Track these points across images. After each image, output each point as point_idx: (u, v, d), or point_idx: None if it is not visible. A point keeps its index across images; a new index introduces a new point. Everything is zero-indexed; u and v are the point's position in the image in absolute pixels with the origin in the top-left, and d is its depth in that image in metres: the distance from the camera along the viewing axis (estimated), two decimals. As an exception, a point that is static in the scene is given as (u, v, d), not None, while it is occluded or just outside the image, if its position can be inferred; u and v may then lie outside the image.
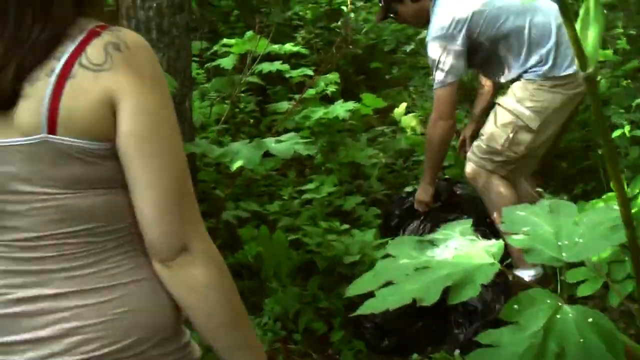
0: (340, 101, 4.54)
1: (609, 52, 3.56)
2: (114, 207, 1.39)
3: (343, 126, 4.86)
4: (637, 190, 3.15)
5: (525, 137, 3.63)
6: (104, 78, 1.31)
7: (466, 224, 1.41)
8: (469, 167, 3.81)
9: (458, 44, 3.67)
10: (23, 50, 1.31)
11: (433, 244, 1.38)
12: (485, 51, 3.74)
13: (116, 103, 1.32)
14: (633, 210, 3.08)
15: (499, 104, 3.73)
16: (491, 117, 3.75)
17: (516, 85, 3.71)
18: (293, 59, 5.47)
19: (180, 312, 1.47)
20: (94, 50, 1.32)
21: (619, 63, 3.57)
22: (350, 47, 4.59)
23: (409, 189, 4.61)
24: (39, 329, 1.36)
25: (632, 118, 3.32)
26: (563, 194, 3.66)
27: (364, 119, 5.29)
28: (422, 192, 3.90)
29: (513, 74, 3.71)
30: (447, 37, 3.67)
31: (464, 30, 3.66)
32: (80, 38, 1.33)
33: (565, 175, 3.96)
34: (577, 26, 1.12)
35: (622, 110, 3.35)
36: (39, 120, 1.29)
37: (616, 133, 3.25)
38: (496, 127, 3.68)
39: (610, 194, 3.24)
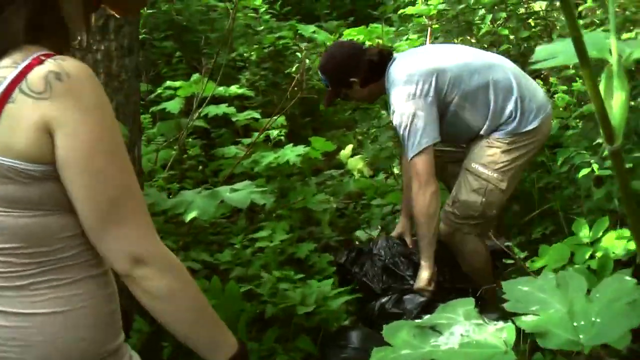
0: (290, 145, 4.44)
1: (567, 97, 3.54)
2: (40, 230, 1.42)
3: (292, 170, 4.75)
4: (600, 234, 3.14)
5: (497, 197, 3.59)
6: (42, 106, 1.35)
7: (468, 304, 1.29)
8: (444, 230, 3.69)
9: (428, 106, 3.52)
10: None
11: (435, 329, 1.25)
12: (452, 113, 3.61)
13: (53, 131, 1.37)
14: (598, 254, 3.05)
15: (467, 170, 3.63)
16: (461, 184, 3.64)
17: (481, 147, 3.63)
18: (237, 101, 5.37)
19: (110, 343, 1.52)
20: (35, 78, 1.36)
21: (574, 105, 3.56)
22: (305, 92, 4.47)
23: (359, 232, 4.55)
24: None
25: (594, 159, 3.28)
26: (521, 238, 3.62)
27: (310, 161, 5.20)
28: (426, 277, 3.56)
29: (482, 133, 3.62)
30: (415, 102, 3.52)
31: (432, 92, 3.54)
32: (23, 64, 1.37)
33: (521, 219, 3.91)
34: (601, 90, 1.02)
35: (584, 151, 3.32)
36: None
37: (582, 173, 3.21)
38: (468, 195, 3.59)
39: (571, 237, 3.21)
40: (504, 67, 3.67)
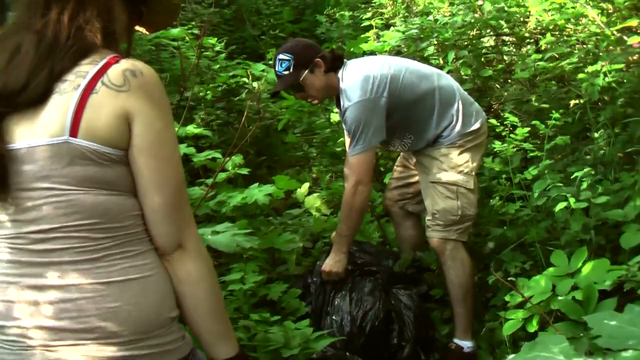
0: (256, 185, 4.38)
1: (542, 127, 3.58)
2: (115, 207, 1.64)
3: (255, 210, 4.68)
4: (580, 264, 3.15)
5: (470, 196, 3.83)
6: (122, 98, 1.60)
7: (561, 341, 1.25)
8: (435, 241, 3.88)
9: (381, 107, 3.69)
10: (55, 62, 1.60)
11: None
12: (399, 116, 3.79)
13: (131, 120, 1.61)
14: (581, 285, 3.07)
15: (433, 183, 3.85)
16: (433, 196, 3.86)
17: (437, 162, 3.86)
18: (189, 141, 5.28)
19: (173, 311, 1.73)
20: (115, 74, 1.61)
21: (552, 136, 3.62)
22: (263, 121, 4.44)
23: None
24: (45, 316, 1.60)
25: (570, 191, 3.32)
26: (500, 274, 3.62)
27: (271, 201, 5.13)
28: (336, 263, 3.87)
29: (427, 137, 3.87)
30: (370, 101, 3.68)
31: (385, 94, 3.70)
32: (102, 62, 1.63)
33: (497, 255, 3.93)
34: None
35: (561, 184, 3.36)
36: (64, 125, 1.57)
37: (559, 207, 3.24)
38: (444, 202, 3.80)
39: (550, 269, 3.22)
40: (448, 77, 4.01)
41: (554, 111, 3.56)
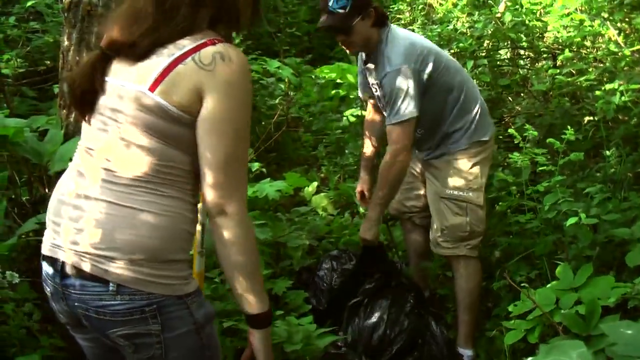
0: (267, 180, 4.41)
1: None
2: (160, 153, 1.90)
3: (264, 205, 4.70)
4: (585, 279, 3.18)
5: (479, 212, 3.80)
6: (202, 74, 1.86)
7: (579, 346, 1.27)
8: (448, 256, 3.91)
9: (421, 82, 3.62)
10: (163, 32, 1.90)
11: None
12: (429, 97, 3.71)
13: (203, 95, 1.87)
14: (585, 300, 3.09)
15: (443, 198, 3.82)
16: (442, 211, 3.82)
17: (448, 173, 3.82)
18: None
19: (177, 254, 1.95)
20: (205, 54, 1.88)
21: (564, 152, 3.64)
22: (295, 128, 4.46)
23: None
24: (69, 218, 1.96)
25: (581, 207, 3.35)
26: (504, 282, 3.65)
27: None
28: (368, 231, 3.80)
29: (437, 134, 3.83)
30: (415, 71, 3.59)
31: (427, 70, 3.63)
32: (200, 42, 1.90)
33: (502, 264, 3.95)
34: None
35: (572, 199, 3.38)
36: (148, 79, 1.88)
37: (570, 221, 3.26)
38: (453, 219, 3.78)
39: (555, 282, 3.25)
40: (474, 83, 3.99)
41: (569, 127, 3.57)
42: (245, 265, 1.95)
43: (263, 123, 4.39)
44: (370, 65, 3.81)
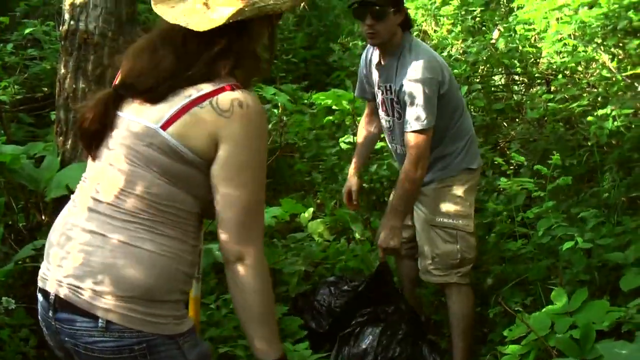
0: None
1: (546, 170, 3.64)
2: (165, 194, 1.90)
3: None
4: (579, 304, 3.19)
5: (470, 240, 3.78)
6: (220, 121, 1.86)
7: None
8: (441, 284, 3.88)
9: (442, 91, 3.63)
10: (181, 79, 1.90)
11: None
12: (438, 114, 3.68)
13: (220, 141, 1.87)
14: (580, 324, 3.10)
15: (433, 226, 3.79)
16: (433, 239, 3.79)
17: (438, 199, 3.79)
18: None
19: (171, 295, 1.94)
20: (224, 99, 1.87)
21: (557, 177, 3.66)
22: (291, 153, 4.48)
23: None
24: (66, 252, 1.95)
25: (575, 231, 3.37)
26: (500, 308, 3.65)
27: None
28: (393, 239, 3.67)
29: (433, 152, 3.73)
30: (437, 82, 3.60)
31: (445, 84, 3.65)
32: (218, 86, 1.89)
33: (496, 290, 3.96)
34: None
35: (565, 224, 3.40)
36: (162, 118, 1.88)
37: (566, 245, 3.28)
38: (444, 246, 3.75)
39: (550, 307, 3.26)
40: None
41: (554, 152, 3.60)
42: (261, 313, 1.96)
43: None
44: (386, 65, 3.77)
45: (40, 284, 2.03)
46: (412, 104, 3.58)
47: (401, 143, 3.77)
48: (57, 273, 1.95)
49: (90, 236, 1.92)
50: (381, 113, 3.90)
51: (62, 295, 1.92)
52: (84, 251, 1.91)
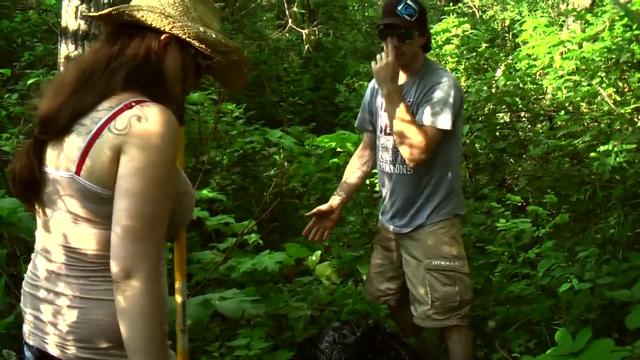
0: (267, 252, 4.40)
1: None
2: (102, 239, 1.85)
3: (265, 277, 4.68)
4: (584, 344, 3.15)
5: (466, 280, 3.72)
6: (119, 140, 1.81)
7: None
8: (440, 327, 3.80)
9: (458, 112, 3.63)
10: (80, 99, 1.88)
11: None
12: (452, 140, 3.70)
13: (120, 156, 1.80)
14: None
15: (429, 270, 3.69)
16: (431, 283, 3.68)
17: (429, 241, 3.71)
18: (203, 204, 5.33)
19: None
20: (121, 119, 1.83)
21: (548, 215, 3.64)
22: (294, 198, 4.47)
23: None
24: (42, 312, 1.95)
25: (574, 272, 3.34)
26: (504, 352, 3.61)
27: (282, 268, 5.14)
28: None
29: (431, 184, 3.69)
30: (460, 98, 3.61)
31: (461, 110, 3.68)
32: (116, 109, 1.85)
33: (500, 333, 3.91)
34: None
35: (565, 264, 3.37)
36: (74, 164, 1.84)
37: (563, 287, 3.25)
38: (442, 290, 3.67)
39: (555, 348, 3.22)
40: None
41: (557, 189, 3.58)
42: (146, 340, 1.81)
43: (265, 193, 4.40)
44: (403, 84, 3.70)
45: (24, 336, 2.04)
46: (437, 103, 3.53)
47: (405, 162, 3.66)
48: (36, 327, 1.97)
49: (61, 299, 1.92)
50: (384, 137, 3.81)
51: (44, 349, 1.94)
52: (56, 308, 1.92)
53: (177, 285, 2.46)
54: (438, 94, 3.53)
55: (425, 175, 3.70)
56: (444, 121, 3.49)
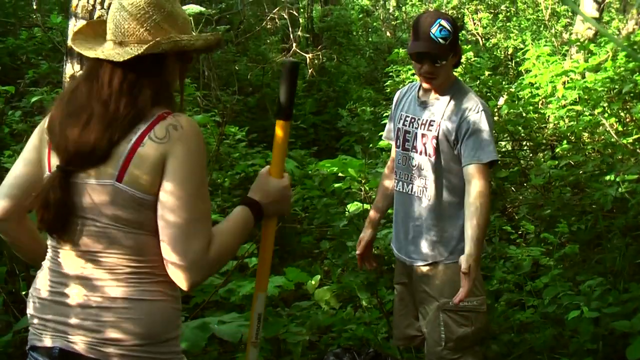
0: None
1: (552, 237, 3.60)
2: (139, 244, 2.00)
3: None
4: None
5: (483, 319, 3.44)
6: (161, 147, 1.96)
7: None
8: None
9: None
10: (115, 126, 1.97)
11: None
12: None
13: (166, 163, 1.95)
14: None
15: (446, 310, 3.40)
16: (447, 323, 3.41)
17: (444, 282, 3.43)
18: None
19: (173, 332, 2.08)
20: (160, 129, 1.98)
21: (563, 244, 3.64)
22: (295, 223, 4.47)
23: None
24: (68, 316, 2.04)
25: (581, 300, 3.33)
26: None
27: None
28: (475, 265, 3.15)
29: (440, 210, 3.45)
30: (493, 122, 3.51)
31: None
32: (151, 120, 1.99)
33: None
34: None
35: (572, 292, 3.36)
36: (115, 171, 1.96)
37: (572, 315, 3.22)
38: (458, 331, 3.40)
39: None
40: None
41: (561, 220, 3.57)
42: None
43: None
44: (434, 101, 3.51)
45: (37, 343, 2.08)
46: (477, 135, 3.34)
47: (423, 183, 3.48)
48: (59, 328, 2.04)
49: (89, 299, 2.01)
50: (401, 152, 3.59)
51: (70, 349, 2.01)
52: (85, 308, 2.01)
53: (256, 296, 2.39)
54: (475, 125, 3.34)
55: (446, 200, 3.47)
56: (492, 153, 3.31)
